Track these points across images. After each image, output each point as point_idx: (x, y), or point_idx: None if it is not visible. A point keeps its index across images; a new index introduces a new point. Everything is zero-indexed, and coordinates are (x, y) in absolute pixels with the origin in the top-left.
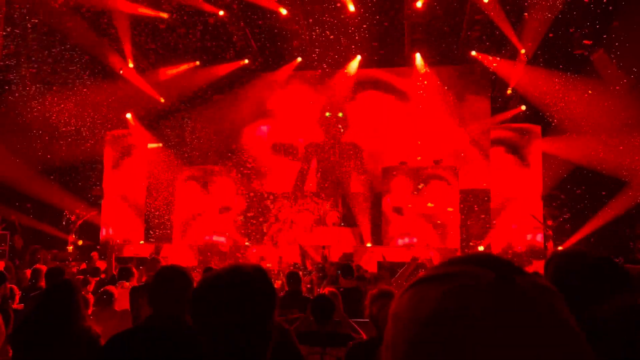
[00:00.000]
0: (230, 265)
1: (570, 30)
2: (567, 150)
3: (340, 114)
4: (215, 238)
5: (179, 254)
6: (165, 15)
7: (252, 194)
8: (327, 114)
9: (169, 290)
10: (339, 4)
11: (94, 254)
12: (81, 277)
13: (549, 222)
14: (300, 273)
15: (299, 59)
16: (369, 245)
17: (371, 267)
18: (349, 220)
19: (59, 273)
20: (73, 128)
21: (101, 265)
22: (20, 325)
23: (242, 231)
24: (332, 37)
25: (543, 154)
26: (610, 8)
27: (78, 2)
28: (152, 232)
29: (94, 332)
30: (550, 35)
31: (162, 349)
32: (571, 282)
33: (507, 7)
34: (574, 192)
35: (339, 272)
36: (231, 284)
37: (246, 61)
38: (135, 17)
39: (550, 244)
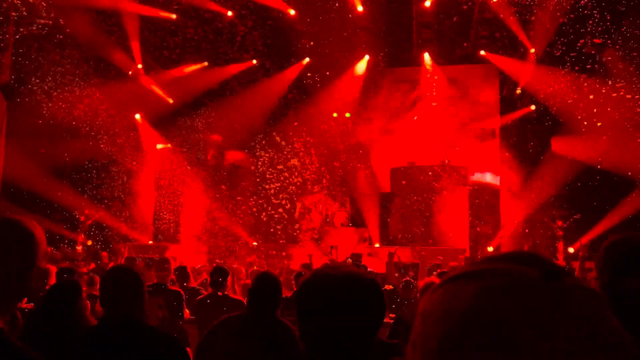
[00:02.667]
0: (348, 271)
1: (580, 29)
2: (577, 150)
3: (347, 114)
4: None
5: (187, 254)
6: (173, 16)
7: (265, 193)
8: (334, 114)
9: (120, 291)
10: (347, 4)
11: (104, 254)
12: (86, 277)
13: (559, 223)
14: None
15: (307, 59)
16: (377, 245)
17: (380, 268)
18: (357, 220)
19: (70, 272)
20: (83, 128)
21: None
22: (24, 325)
23: (252, 231)
24: (340, 37)
25: (553, 154)
26: (620, 8)
27: (87, 3)
28: (161, 233)
29: None
30: (560, 34)
31: (116, 349)
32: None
33: (517, 6)
34: (584, 192)
35: None
36: (350, 291)
37: (254, 62)
38: (144, 17)
39: (560, 245)
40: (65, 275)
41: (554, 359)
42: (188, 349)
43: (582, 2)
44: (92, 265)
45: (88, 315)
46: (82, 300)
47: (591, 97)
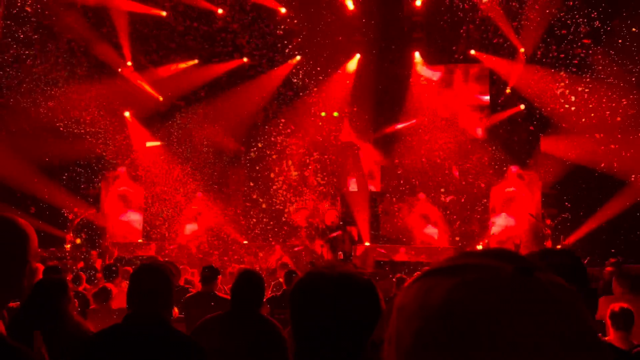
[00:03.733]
0: (343, 271)
1: (570, 29)
2: (566, 149)
3: (335, 114)
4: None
5: (178, 252)
6: (164, 13)
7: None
8: (323, 113)
9: (146, 289)
10: (338, 3)
11: (93, 253)
12: (71, 275)
13: (548, 222)
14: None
15: (298, 57)
16: (367, 244)
17: (369, 266)
18: (347, 219)
19: (55, 271)
20: (71, 126)
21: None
22: (9, 322)
23: (244, 230)
24: (332, 35)
25: (542, 153)
26: (606, 5)
27: (77, 0)
28: (151, 231)
29: (84, 329)
30: (550, 34)
31: (142, 347)
32: None
33: (507, 6)
34: (573, 191)
35: None
36: (345, 291)
37: (245, 59)
38: (133, 14)
39: (548, 244)
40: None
41: (526, 352)
42: None
43: (570, 2)
44: (81, 264)
45: (75, 313)
46: (67, 297)
47: (580, 96)
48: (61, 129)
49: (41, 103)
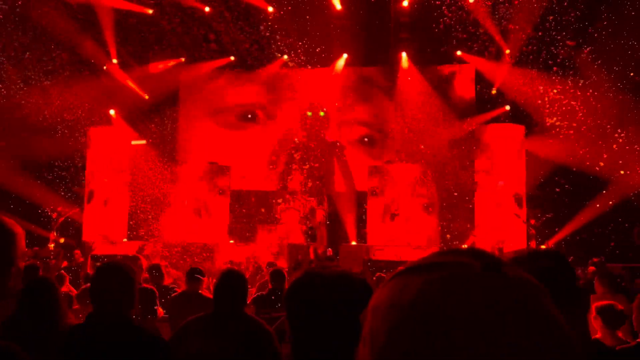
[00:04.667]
0: (339, 272)
1: (554, 31)
2: (550, 150)
3: (322, 113)
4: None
5: (162, 252)
6: (150, 11)
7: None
8: (309, 113)
9: (110, 288)
10: (325, 3)
11: (76, 252)
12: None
13: (532, 222)
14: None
15: (285, 57)
16: (354, 243)
17: (356, 266)
18: (334, 218)
19: (34, 270)
20: (55, 124)
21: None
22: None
23: (229, 229)
24: (319, 35)
25: (526, 153)
26: (590, 8)
27: None
28: (135, 231)
29: None
30: (535, 36)
31: (106, 345)
32: None
33: (493, 8)
34: (557, 192)
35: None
36: (342, 292)
37: (232, 58)
38: (119, 12)
39: (533, 243)
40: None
41: (493, 347)
42: None
43: (554, 6)
44: (65, 263)
45: (68, 313)
46: (57, 297)
47: (565, 97)
48: (44, 127)
49: (25, 101)
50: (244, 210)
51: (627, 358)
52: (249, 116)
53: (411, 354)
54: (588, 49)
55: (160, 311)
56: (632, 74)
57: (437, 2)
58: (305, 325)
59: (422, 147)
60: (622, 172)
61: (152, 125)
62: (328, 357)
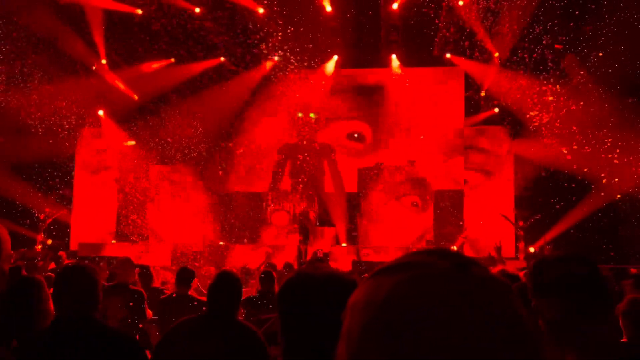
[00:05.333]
0: (329, 272)
1: (542, 34)
2: (538, 152)
3: (312, 115)
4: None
5: (152, 253)
6: (139, 11)
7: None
8: (299, 114)
9: (74, 290)
10: (316, 4)
11: (62, 254)
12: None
13: (520, 223)
14: (274, 273)
15: (276, 58)
16: (344, 245)
17: (346, 267)
18: (325, 220)
19: (17, 271)
20: (43, 125)
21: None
22: None
23: (219, 231)
24: (309, 36)
25: (515, 155)
26: (578, 12)
27: None
28: (124, 232)
29: None
30: (523, 39)
31: (74, 349)
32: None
33: (482, 11)
34: (545, 194)
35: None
36: (332, 291)
37: (222, 59)
38: (108, 12)
39: (521, 245)
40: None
41: (459, 345)
42: (147, 352)
43: (543, 8)
44: (52, 265)
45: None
46: (41, 297)
47: (552, 100)
48: (32, 127)
49: (12, 101)
50: (234, 212)
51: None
52: (239, 117)
53: (382, 351)
54: (576, 52)
55: (150, 313)
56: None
57: (427, 6)
58: (296, 325)
59: (412, 149)
60: (602, 175)
61: (142, 126)
62: (319, 357)
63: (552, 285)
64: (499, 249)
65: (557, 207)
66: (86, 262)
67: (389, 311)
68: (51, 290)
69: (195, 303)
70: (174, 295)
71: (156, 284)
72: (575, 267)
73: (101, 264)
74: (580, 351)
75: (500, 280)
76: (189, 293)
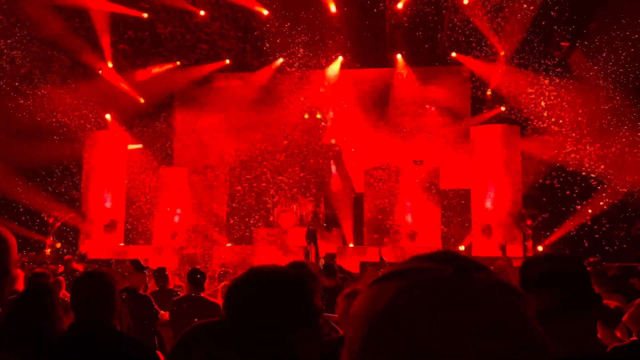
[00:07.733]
0: (273, 268)
1: (549, 32)
2: (546, 151)
3: (318, 116)
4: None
5: (159, 256)
6: (145, 15)
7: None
8: (306, 115)
9: (91, 296)
10: (320, 5)
11: (67, 258)
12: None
13: (528, 222)
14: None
15: (281, 60)
16: (351, 245)
17: (354, 268)
18: (331, 220)
19: (42, 277)
20: (51, 128)
21: (78, 268)
22: None
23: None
24: (314, 38)
25: (522, 154)
26: (584, 11)
27: (56, 1)
28: (132, 235)
29: None
30: (529, 37)
31: (89, 354)
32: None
33: (487, 10)
34: (552, 192)
35: (322, 271)
36: (268, 285)
37: (227, 61)
38: (114, 16)
39: (529, 244)
40: (36, 280)
41: (463, 351)
42: (159, 352)
43: (549, 6)
44: (61, 269)
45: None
46: (53, 303)
47: (559, 98)
48: (41, 131)
49: (21, 105)
50: (241, 213)
51: (621, 357)
52: (245, 119)
53: (382, 358)
54: (583, 49)
55: (164, 315)
56: (630, 74)
57: (432, 5)
58: (236, 317)
59: (418, 148)
60: (611, 172)
61: (148, 129)
62: (258, 348)
63: (535, 280)
64: (503, 248)
65: (566, 205)
66: (103, 268)
67: (391, 320)
68: (60, 294)
69: (209, 305)
70: (186, 297)
71: (170, 286)
72: (558, 265)
73: (119, 269)
74: (554, 344)
75: (506, 285)
76: (202, 295)
